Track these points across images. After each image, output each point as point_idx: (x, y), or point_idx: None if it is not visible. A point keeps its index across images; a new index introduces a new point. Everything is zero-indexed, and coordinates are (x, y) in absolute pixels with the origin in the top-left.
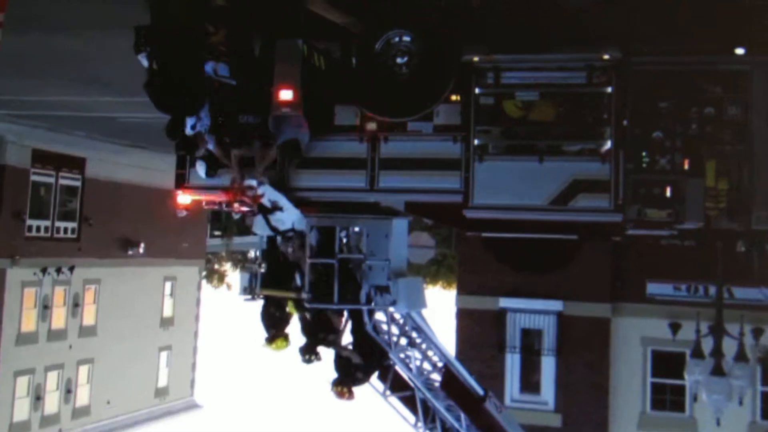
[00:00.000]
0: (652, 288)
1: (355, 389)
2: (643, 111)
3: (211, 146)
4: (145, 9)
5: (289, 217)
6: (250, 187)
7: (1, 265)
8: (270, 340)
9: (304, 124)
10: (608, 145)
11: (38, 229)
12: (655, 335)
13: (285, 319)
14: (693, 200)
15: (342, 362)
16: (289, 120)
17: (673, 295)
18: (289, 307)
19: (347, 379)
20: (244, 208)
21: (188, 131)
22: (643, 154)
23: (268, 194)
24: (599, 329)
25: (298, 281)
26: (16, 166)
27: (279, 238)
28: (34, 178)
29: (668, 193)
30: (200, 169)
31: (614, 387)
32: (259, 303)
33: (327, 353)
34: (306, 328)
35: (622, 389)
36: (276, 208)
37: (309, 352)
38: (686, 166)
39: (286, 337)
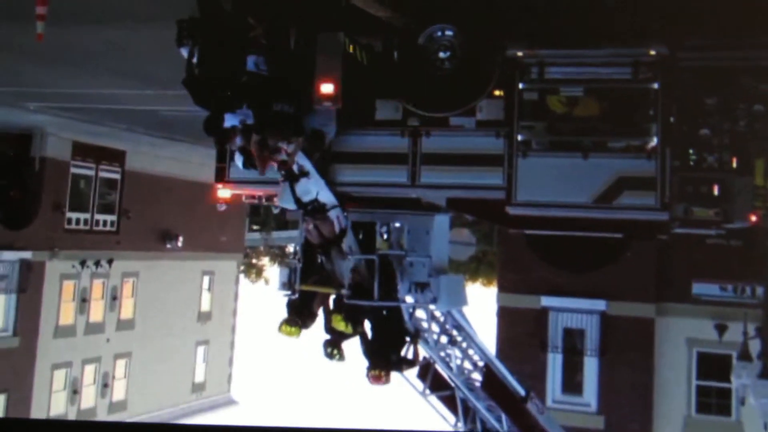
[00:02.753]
0: (698, 288)
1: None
2: (690, 108)
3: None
4: (189, 2)
5: (314, 185)
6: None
7: (40, 258)
8: (283, 323)
9: (333, 117)
10: (654, 142)
11: (78, 221)
12: (700, 336)
13: (311, 315)
14: (741, 199)
15: (372, 347)
16: (319, 112)
17: (720, 296)
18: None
19: (382, 362)
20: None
21: (228, 125)
22: (690, 151)
23: (298, 159)
24: (643, 330)
25: (325, 264)
26: (56, 159)
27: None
28: (74, 170)
29: (716, 191)
30: (238, 160)
31: (658, 389)
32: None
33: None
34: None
35: (666, 392)
36: (303, 173)
37: (333, 347)
38: (734, 164)
39: (298, 326)
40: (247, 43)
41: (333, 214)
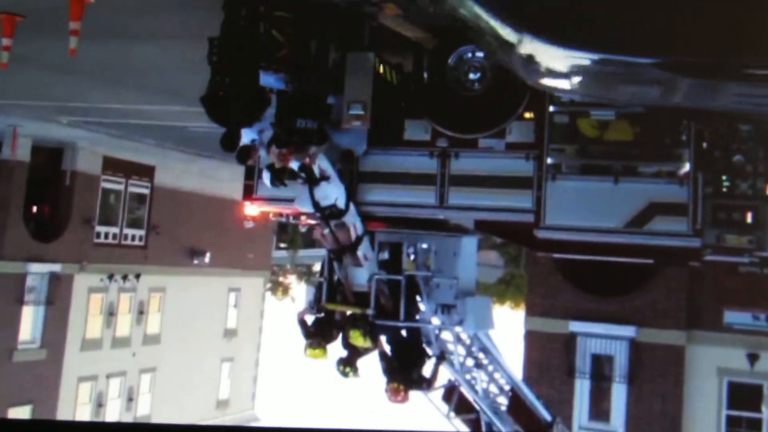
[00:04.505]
0: (730, 317)
1: (411, 393)
2: (724, 134)
3: (263, 152)
4: (220, 20)
5: (333, 190)
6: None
7: (69, 271)
8: (308, 348)
9: (364, 137)
10: (687, 167)
11: (106, 235)
12: (731, 366)
13: (331, 335)
14: None
15: (392, 365)
16: (349, 131)
17: (752, 325)
18: (358, 339)
19: (401, 379)
20: (311, 221)
21: (245, 141)
22: (723, 177)
23: (320, 161)
24: (673, 357)
25: (337, 271)
26: (87, 173)
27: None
28: (104, 185)
29: (749, 218)
30: (266, 177)
31: (687, 418)
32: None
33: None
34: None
35: (695, 421)
36: (324, 177)
37: (346, 365)
38: None
39: (324, 348)
40: (273, 62)
41: (350, 221)
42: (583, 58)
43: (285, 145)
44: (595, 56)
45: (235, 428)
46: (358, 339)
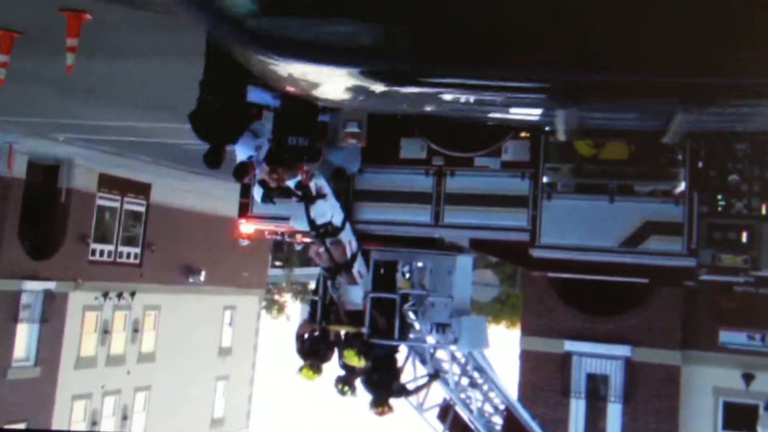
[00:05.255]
0: (725, 336)
1: (394, 402)
2: (719, 153)
3: (258, 171)
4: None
5: (329, 208)
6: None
7: (64, 289)
8: (304, 368)
9: (357, 154)
10: (682, 186)
11: (102, 253)
12: (727, 385)
13: (326, 355)
14: None
15: (372, 380)
16: (343, 148)
17: (747, 345)
18: (352, 359)
19: (383, 393)
20: (306, 239)
21: (241, 158)
22: (719, 197)
23: (316, 179)
24: (669, 377)
25: (331, 290)
26: (82, 190)
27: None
28: (99, 202)
29: (744, 238)
30: (257, 193)
31: None
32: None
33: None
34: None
35: None
36: (320, 195)
37: (344, 384)
38: (763, 211)
39: (319, 371)
40: (248, 78)
41: (345, 238)
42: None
43: (277, 163)
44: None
45: None
46: (352, 359)
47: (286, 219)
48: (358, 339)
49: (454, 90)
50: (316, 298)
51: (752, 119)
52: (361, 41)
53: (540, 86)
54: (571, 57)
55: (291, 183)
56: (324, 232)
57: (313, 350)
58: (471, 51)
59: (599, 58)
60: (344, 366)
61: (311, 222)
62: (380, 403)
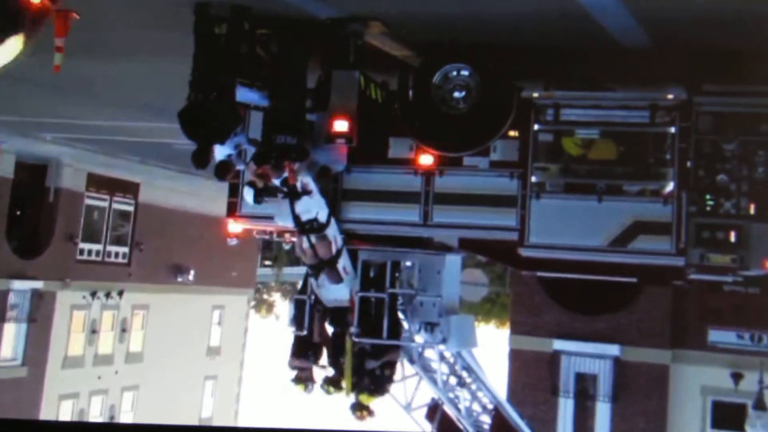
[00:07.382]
0: (714, 335)
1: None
2: (708, 153)
3: (240, 166)
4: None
5: (315, 205)
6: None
7: (52, 288)
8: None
9: (343, 155)
10: (671, 186)
11: (90, 252)
12: (716, 384)
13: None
14: (758, 246)
15: (363, 368)
16: (329, 148)
17: (736, 344)
18: (369, 399)
19: (365, 386)
20: (295, 239)
21: (220, 157)
22: (707, 197)
23: (302, 176)
24: (658, 376)
25: (314, 285)
26: (71, 189)
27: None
28: (88, 201)
29: (733, 237)
30: (248, 195)
31: None
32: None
33: None
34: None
35: None
36: (306, 192)
37: (331, 384)
38: (752, 211)
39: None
40: (255, 78)
41: (330, 234)
42: None
43: (264, 163)
44: None
45: (218, 429)
46: (369, 400)
47: (273, 218)
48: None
49: None
50: (303, 297)
51: None
52: None
53: None
54: None
55: (277, 181)
56: (309, 228)
57: (302, 349)
58: None
59: None
60: (334, 365)
61: (296, 218)
62: (361, 412)
